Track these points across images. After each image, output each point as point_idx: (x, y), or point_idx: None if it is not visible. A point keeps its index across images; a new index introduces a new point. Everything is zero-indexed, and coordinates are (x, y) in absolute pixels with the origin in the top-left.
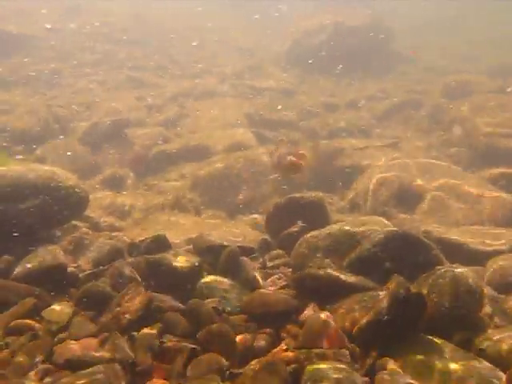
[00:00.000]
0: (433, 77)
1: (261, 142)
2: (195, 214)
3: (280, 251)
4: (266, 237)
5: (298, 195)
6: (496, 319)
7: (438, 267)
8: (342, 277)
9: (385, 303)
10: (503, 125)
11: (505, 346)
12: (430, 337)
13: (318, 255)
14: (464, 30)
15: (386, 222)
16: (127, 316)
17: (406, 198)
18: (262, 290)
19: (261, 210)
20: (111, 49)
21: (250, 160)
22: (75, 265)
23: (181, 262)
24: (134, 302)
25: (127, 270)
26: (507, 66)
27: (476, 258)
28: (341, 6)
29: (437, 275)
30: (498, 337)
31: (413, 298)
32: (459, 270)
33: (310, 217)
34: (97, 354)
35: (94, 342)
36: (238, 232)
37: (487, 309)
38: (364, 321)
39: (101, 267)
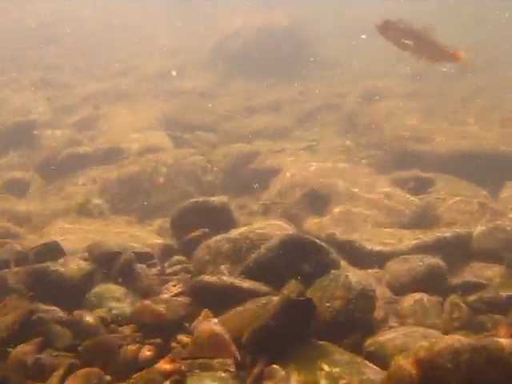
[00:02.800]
0: (353, 81)
1: (177, 145)
2: (102, 219)
3: (181, 257)
4: (170, 242)
5: (202, 199)
6: (390, 321)
7: (333, 271)
8: (237, 283)
9: (273, 309)
10: (416, 129)
11: (392, 348)
12: (321, 342)
13: (218, 260)
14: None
15: (286, 225)
16: None
17: (317, 201)
18: (153, 298)
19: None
20: (25, 46)
21: (165, 163)
22: None
23: (71, 270)
24: (7, 317)
25: (11, 281)
26: (426, 70)
27: (378, 260)
28: (266, 7)
29: (330, 279)
30: (386, 338)
31: (302, 304)
32: (351, 273)
33: (214, 221)
34: None
35: None
36: (142, 237)
37: (381, 311)
38: (253, 327)
39: None
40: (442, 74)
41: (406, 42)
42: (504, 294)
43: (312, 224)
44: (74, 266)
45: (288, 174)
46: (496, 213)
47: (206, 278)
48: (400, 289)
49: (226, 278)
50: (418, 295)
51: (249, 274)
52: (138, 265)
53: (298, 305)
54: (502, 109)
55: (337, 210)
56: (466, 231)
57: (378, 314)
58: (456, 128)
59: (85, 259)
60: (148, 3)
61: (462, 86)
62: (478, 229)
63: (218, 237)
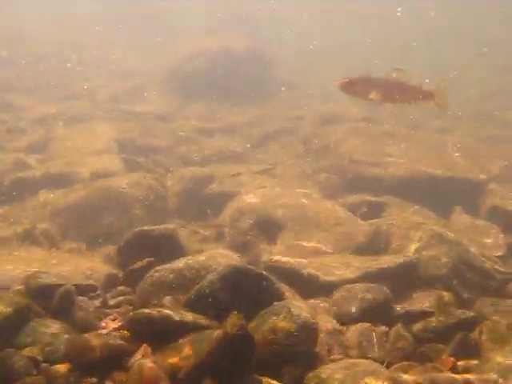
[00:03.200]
0: (311, 104)
1: (130, 169)
2: (49, 246)
3: (125, 288)
4: (115, 271)
5: (148, 228)
6: (334, 353)
7: (276, 303)
8: (177, 316)
9: (211, 345)
10: (371, 153)
11: (333, 382)
12: (261, 377)
13: (161, 292)
14: (348, 58)
15: (234, 255)
16: None
17: (269, 227)
18: (89, 334)
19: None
20: None
21: (116, 188)
22: None
23: (1, 306)
24: None
25: None
26: None
27: (325, 289)
28: (226, 30)
29: (272, 311)
30: (328, 372)
31: (241, 339)
32: (295, 304)
33: (161, 250)
34: None
35: None
36: (87, 266)
37: (325, 342)
38: (191, 363)
39: None
40: None
41: (375, 94)
42: (448, 321)
43: (263, 251)
44: (4, 301)
45: (242, 199)
46: (445, 238)
47: (146, 311)
48: (346, 319)
49: (166, 311)
50: (362, 325)
51: (192, 306)
52: (79, 297)
53: (237, 340)
54: (453, 134)
55: (288, 236)
56: (414, 257)
57: (322, 345)
58: (410, 152)
59: (21, 292)
60: (103, 24)
61: (417, 110)
62: (427, 254)
63: (162, 267)
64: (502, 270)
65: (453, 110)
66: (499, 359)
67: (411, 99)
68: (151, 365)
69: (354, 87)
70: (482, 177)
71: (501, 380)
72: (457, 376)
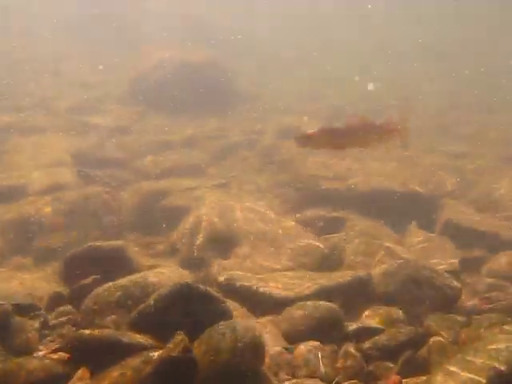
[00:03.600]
0: (272, 116)
1: (86, 182)
2: None
3: (68, 307)
4: (61, 290)
5: (97, 243)
6: (281, 373)
7: (222, 322)
8: (119, 337)
9: (151, 367)
10: (330, 168)
11: None
12: None
13: (106, 311)
14: (312, 69)
15: (183, 271)
16: None
17: (223, 243)
18: (24, 358)
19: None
20: None
21: (68, 202)
22: None
23: None
24: None
25: None
26: (340, 108)
27: (277, 306)
28: (187, 42)
29: (217, 331)
30: None
31: (182, 361)
32: (242, 323)
33: (109, 267)
34: None
35: None
36: (31, 284)
37: (273, 362)
38: None
39: None
40: (360, 111)
41: (336, 144)
42: (397, 338)
43: (216, 267)
44: None
45: (196, 214)
46: (397, 254)
47: (86, 332)
48: (296, 337)
49: (107, 332)
50: (311, 344)
51: (136, 326)
52: (17, 318)
53: (179, 362)
54: (415, 148)
55: (241, 252)
56: (367, 274)
57: (269, 365)
58: (369, 167)
59: None
60: (62, 33)
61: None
62: (379, 271)
63: (108, 284)
64: (453, 285)
65: (413, 123)
66: (445, 375)
67: (375, 141)
68: None
69: (313, 141)
70: (437, 192)
71: None
72: None
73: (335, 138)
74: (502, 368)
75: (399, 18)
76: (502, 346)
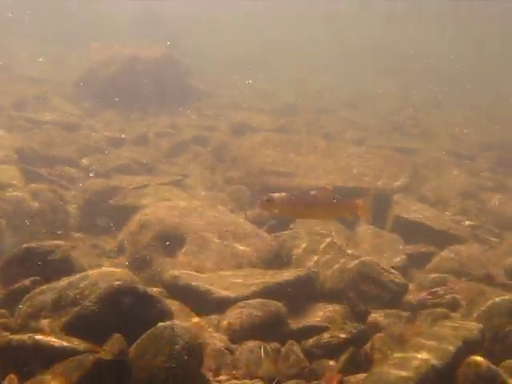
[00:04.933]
0: (225, 113)
1: (30, 181)
2: None
3: (2, 311)
4: None
5: (34, 244)
6: (222, 373)
7: (160, 324)
8: (52, 342)
9: (81, 373)
10: (282, 164)
11: None
12: None
13: (41, 314)
14: (268, 68)
15: (126, 272)
16: None
17: (171, 242)
18: None
19: None
20: None
21: (11, 201)
22: None
23: None
24: None
25: None
26: (293, 106)
27: (221, 305)
28: (142, 38)
29: (155, 333)
30: None
31: (115, 364)
32: (180, 324)
33: (50, 268)
34: None
35: None
36: None
37: (213, 362)
38: None
39: None
40: (312, 110)
41: (298, 213)
42: (340, 336)
43: (162, 266)
44: None
45: (143, 212)
46: (346, 251)
47: (16, 337)
48: (238, 337)
49: (38, 337)
50: (253, 343)
51: (72, 329)
52: None
53: (110, 366)
54: (364, 145)
55: (187, 251)
56: (312, 271)
57: (209, 366)
58: (320, 163)
59: None
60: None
61: (331, 122)
62: (327, 268)
63: (43, 286)
64: (398, 281)
65: (366, 121)
66: (384, 371)
67: (336, 215)
68: None
69: (275, 207)
70: (388, 188)
71: None
72: None
73: (298, 208)
74: (438, 363)
75: (360, 19)
76: (440, 341)
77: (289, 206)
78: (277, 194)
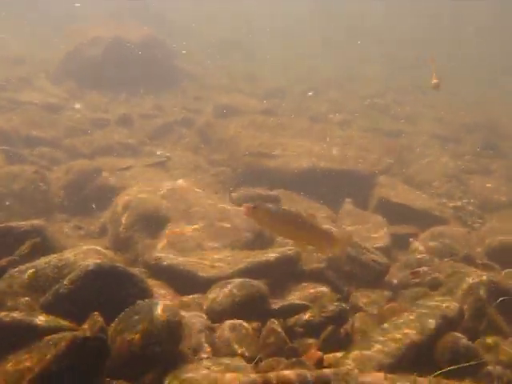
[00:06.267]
0: (211, 95)
1: (11, 162)
2: None
3: None
4: None
5: (13, 224)
6: (201, 352)
7: (139, 302)
8: (29, 320)
9: (57, 351)
10: (266, 146)
11: (194, 382)
12: (117, 381)
13: (19, 293)
14: (256, 52)
15: (107, 252)
16: None
17: (154, 223)
18: None
19: None
20: None
21: None
22: None
23: None
24: None
25: None
26: (280, 89)
27: (203, 285)
28: (127, 19)
29: (134, 311)
30: (190, 372)
31: (92, 342)
32: (159, 303)
33: (28, 247)
34: None
35: None
36: None
37: (194, 341)
38: (33, 373)
39: None
40: (298, 93)
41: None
42: (320, 314)
43: (145, 247)
44: None
45: (126, 193)
46: None
47: None
48: (219, 316)
49: (15, 315)
50: (233, 322)
51: (50, 308)
52: None
53: (86, 343)
54: (350, 127)
55: (171, 232)
56: (294, 251)
57: (189, 344)
58: (305, 145)
59: None
60: None
61: (317, 105)
62: (309, 248)
63: (22, 266)
64: (380, 261)
65: (352, 104)
66: (361, 349)
67: (313, 242)
68: None
69: (255, 216)
70: (372, 170)
71: (356, 370)
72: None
73: (276, 227)
74: (417, 339)
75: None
76: (420, 318)
77: (269, 222)
78: (264, 206)
